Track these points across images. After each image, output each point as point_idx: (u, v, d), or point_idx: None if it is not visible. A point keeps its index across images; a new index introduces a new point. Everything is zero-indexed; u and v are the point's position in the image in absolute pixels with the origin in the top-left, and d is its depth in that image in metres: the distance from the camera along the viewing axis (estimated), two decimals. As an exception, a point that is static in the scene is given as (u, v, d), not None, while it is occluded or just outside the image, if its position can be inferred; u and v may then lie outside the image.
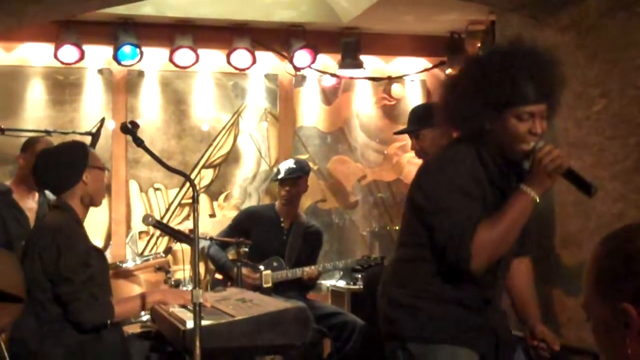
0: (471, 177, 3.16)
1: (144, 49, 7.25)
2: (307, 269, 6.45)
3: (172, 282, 5.44)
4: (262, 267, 6.35)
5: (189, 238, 4.18)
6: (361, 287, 6.66)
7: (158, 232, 7.35)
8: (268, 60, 7.86)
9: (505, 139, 3.12)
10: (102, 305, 3.87)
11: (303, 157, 7.75)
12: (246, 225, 6.46)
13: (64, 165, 4.07)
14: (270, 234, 6.54)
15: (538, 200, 3.09)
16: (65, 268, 3.80)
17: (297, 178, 6.53)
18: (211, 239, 6.34)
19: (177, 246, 6.78)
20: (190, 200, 3.76)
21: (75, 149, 4.20)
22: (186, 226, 7.04)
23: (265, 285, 6.28)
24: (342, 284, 7.27)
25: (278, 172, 6.64)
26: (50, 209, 4.27)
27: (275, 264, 6.47)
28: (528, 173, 3.12)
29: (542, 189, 3.08)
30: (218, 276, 6.49)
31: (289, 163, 6.68)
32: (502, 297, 3.42)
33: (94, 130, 5.79)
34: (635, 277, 1.63)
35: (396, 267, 3.41)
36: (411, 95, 8.14)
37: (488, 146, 3.17)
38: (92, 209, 4.17)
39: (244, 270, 5.98)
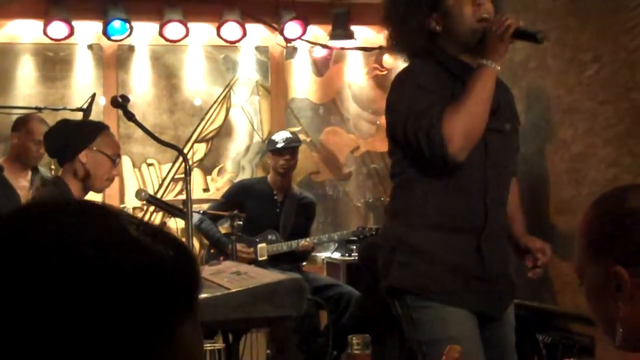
0: (432, 78, 3.17)
1: (133, 23, 7.20)
2: (302, 241, 6.46)
3: (167, 257, 5.43)
4: (257, 240, 6.37)
5: (182, 212, 4.17)
6: (356, 258, 6.67)
7: (152, 208, 7.33)
8: (258, 33, 7.82)
9: (455, 26, 3.16)
10: None
11: (295, 129, 7.74)
12: (239, 198, 6.47)
13: (67, 137, 4.03)
14: (263, 207, 6.55)
15: (498, 68, 3.10)
16: None
17: (296, 147, 6.57)
18: (204, 212, 6.34)
19: (171, 221, 6.78)
20: (183, 175, 3.74)
21: (85, 126, 4.18)
22: (179, 199, 7.03)
23: (260, 259, 6.29)
24: (337, 255, 7.27)
25: (273, 142, 6.64)
26: (44, 185, 4.24)
27: (270, 237, 6.48)
28: (481, 49, 3.12)
29: (497, 56, 3.09)
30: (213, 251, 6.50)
31: (285, 133, 6.70)
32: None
33: (85, 106, 5.78)
34: (626, 239, 1.62)
35: (390, 200, 3.45)
36: (403, 65, 8.10)
37: (447, 46, 3.20)
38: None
39: (239, 246, 5.99)
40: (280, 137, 6.67)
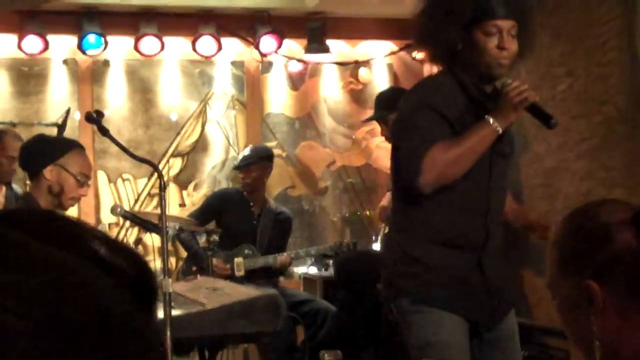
0: (445, 98, 3.21)
1: (108, 38, 7.19)
2: (279, 256, 6.45)
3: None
4: (234, 254, 6.36)
5: (157, 228, 4.16)
6: (332, 274, 6.66)
7: (128, 223, 7.30)
8: (234, 47, 7.82)
9: (475, 56, 3.18)
10: None
11: (271, 143, 7.74)
12: (217, 207, 6.48)
13: (35, 151, 4.01)
14: (240, 218, 6.55)
15: (500, 132, 3.12)
16: None
17: (248, 165, 6.55)
18: (180, 229, 6.31)
19: (147, 238, 6.75)
20: (159, 191, 3.73)
21: (56, 143, 4.15)
22: (155, 212, 7.00)
23: (237, 274, 6.27)
24: (313, 270, 7.26)
25: (236, 160, 6.73)
26: (16, 200, 4.22)
27: (246, 251, 6.47)
28: (495, 106, 3.16)
29: (506, 122, 3.13)
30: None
31: (245, 151, 6.77)
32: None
33: (60, 121, 5.76)
34: (596, 253, 1.63)
35: (392, 211, 3.51)
36: (378, 79, 8.13)
37: (465, 69, 3.22)
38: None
39: (215, 261, 5.98)
40: (240, 155, 6.76)
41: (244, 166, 6.59)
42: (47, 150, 4.02)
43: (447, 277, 3.22)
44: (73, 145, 4.14)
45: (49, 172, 3.94)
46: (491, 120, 3.11)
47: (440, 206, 3.22)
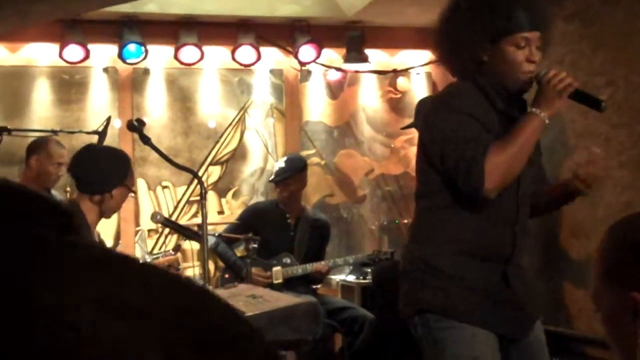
0: (474, 104, 3.19)
1: (148, 46, 7.25)
2: (317, 264, 6.46)
3: (182, 280, 5.43)
4: (273, 263, 6.38)
5: (197, 235, 4.19)
6: (371, 281, 6.66)
7: (167, 230, 7.35)
8: (273, 56, 7.85)
9: (503, 69, 3.16)
10: None
11: (310, 152, 7.77)
12: (252, 222, 6.46)
13: (105, 171, 4.04)
14: (277, 231, 6.54)
15: (547, 122, 3.11)
16: None
17: (285, 179, 6.55)
18: (219, 235, 6.34)
19: (187, 244, 6.79)
20: (198, 198, 3.76)
21: (120, 161, 4.18)
22: (194, 222, 7.04)
23: (275, 282, 6.29)
24: (351, 278, 7.27)
25: (272, 173, 6.73)
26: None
27: (285, 260, 6.48)
28: (535, 96, 3.14)
29: (552, 111, 3.11)
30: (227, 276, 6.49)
31: (280, 162, 6.74)
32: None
33: (100, 129, 5.79)
34: (642, 265, 1.62)
35: (415, 223, 3.41)
36: (417, 88, 8.13)
37: (490, 80, 3.20)
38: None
39: (254, 270, 6.00)
40: (275, 167, 6.75)
41: (280, 181, 6.59)
42: (117, 171, 4.06)
43: (473, 289, 3.17)
44: (130, 162, 4.20)
45: (117, 192, 4.00)
46: (538, 111, 3.09)
47: (469, 217, 3.17)
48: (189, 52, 7.38)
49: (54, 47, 7.18)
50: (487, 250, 3.19)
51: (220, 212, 7.64)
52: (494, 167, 3.03)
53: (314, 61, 7.71)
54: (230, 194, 7.71)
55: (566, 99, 3.12)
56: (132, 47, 7.22)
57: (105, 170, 4.04)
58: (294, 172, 6.55)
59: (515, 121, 3.16)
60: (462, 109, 3.17)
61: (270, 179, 6.81)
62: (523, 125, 3.10)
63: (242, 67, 7.62)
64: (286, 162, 6.69)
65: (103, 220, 4.18)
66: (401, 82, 8.15)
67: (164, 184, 7.55)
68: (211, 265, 7.11)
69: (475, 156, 3.04)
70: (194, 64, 7.44)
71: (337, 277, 7.47)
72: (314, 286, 6.63)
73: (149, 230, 7.47)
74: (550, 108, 3.10)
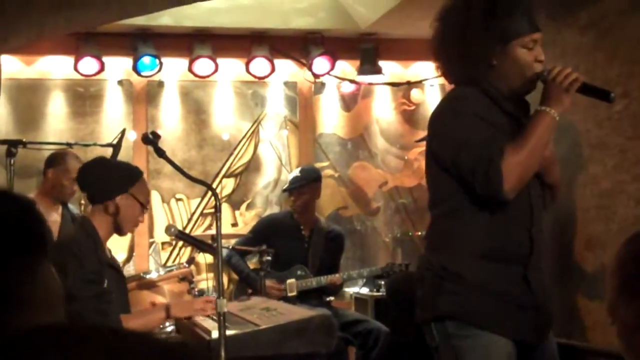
0: (481, 106, 3.19)
1: (163, 59, 7.28)
2: (332, 277, 6.45)
3: (196, 293, 5.44)
4: (287, 275, 6.37)
5: (211, 247, 4.19)
6: (384, 294, 6.64)
7: (181, 243, 7.35)
8: (287, 68, 7.87)
9: (513, 70, 3.18)
10: (110, 322, 3.83)
11: (324, 164, 7.77)
12: (266, 234, 6.45)
13: (106, 179, 4.07)
14: (291, 243, 6.54)
15: (557, 118, 3.11)
16: (71, 286, 3.75)
17: (300, 187, 6.55)
18: (233, 248, 6.34)
19: (200, 256, 6.79)
20: (212, 210, 3.77)
21: (125, 171, 4.21)
22: (208, 234, 7.03)
23: (289, 294, 6.28)
24: (365, 291, 7.26)
25: (286, 183, 6.74)
26: (73, 221, 4.27)
27: (299, 272, 6.47)
28: (542, 95, 3.15)
29: (561, 107, 3.11)
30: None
31: (295, 172, 6.76)
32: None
33: (115, 142, 5.80)
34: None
35: (430, 231, 3.39)
36: (430, 100, 8.12)
37: (498, 84, 3.21)
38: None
39: (268, 282, 5.99)
40: (290, 177, 6.76)
41: (294, 189, 6.60)
42: (118, 178, 4.09)
43: (495, 294, 3.14)
44: (139, 173, 4.23)
45: (120, 201, 4.01)
46: (547, 109, 3.10)
47: (484, 220, 3.15)
48: (203, 65, 7.40)
49: (69, 59, 7.22)
50: (504, 252, 3.17)
51: (234, 225, 7.64)
52: (512, 168, 3.03)
53: (327, 73, 7.72)
54: (244, 206, 7.72)
55: (574, 94, 3.12)
56: (146, 59, 7.25)
57: (105, 178, 4.07)
58: (308, 181, 6.56)
59: (523, 124, 3.16)
60: (469, 111, 3.17)
61: (284, 187, 6.83)
62: (535, 124, 3.10)
63: (256, 80, 7.64)
64: (301, 171, 6.71)
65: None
66: (415, 94, 8.15)
67: (178, 196, 7.56)
68: (225, 278, 7.11)
69: (493, 158, 3.03)
70: (208, 76, 7.46)
71: (350, 290, 7.46)
72: (328, 298, 6.62)
73: (163, 243, 7.48)
74: (559, 105, 3.10)
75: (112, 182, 4.06)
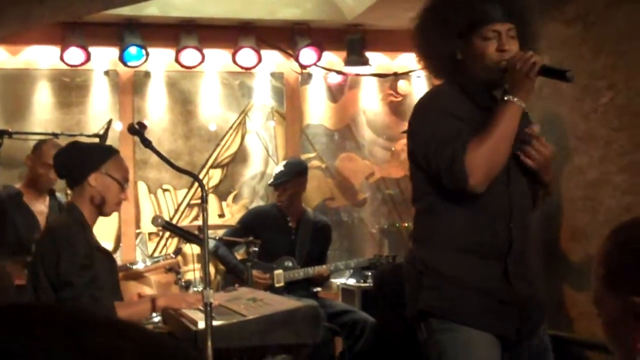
0: (457, 104, 3.22)
1: (149, 49, 7.25)
2: (319, 268, 6.46)
3: (183, 283, 5.43)
4: (274, 266, 6.38)
5: (198, 238, 4.18)
6: (371, 285, 6.66)
7: (167, 233, 7.35)
8: (273, 59, 7.86)
9: (477, 64, 3.18)
10: (104, 308, 3.82)
11: (310, 155, 7.77)
12: (253, 225, 6.46)
13: (76, 159, 4.04)
14: (278, 235, 6.55)
15: (523, 105, 3.12)
16: (64, 272, 3.73)
17: (284, 182, 6.56)
18: (220, 239, 6.34)
19: (187, 247, 6.78)
20: (199, 201, 3.75)
21: (95, 150, 4.20)
22: (195, 225, 7.03)
23: (277, 285, 6.29)
24: (352, 282, 7.27)
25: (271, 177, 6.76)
26: (61, 210, 4.25)
27: (286, 263, 6.48)
28: (507, 84, 3.16)
29: (524, 93, 3.12)
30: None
31: (280, 166, 6.78)
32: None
33: (101, 132, 5.79)
34: (644, 270, 1.62)
35: (414, 225, 3.44)
36: (417, 91, 8.12)
37: (468, 77, 3.23)
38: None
39: (255, 273, 6.00)
40: (274, 171, 6.77)
41: (279, 184, 6.61)
42: (89, 158, 4.06)
43: (472, 289, 3.15)
44: (112, 151, 4.20)
45: (93, 180, 3.99)
46: (510, 97, 3.11)
47: (461, 214, 3.17)
48: (189, 55, 7.38)
49: (55, 49, 7.19)
50: (482, 246, 3.18)
51: (221, 215, 7.64)
52: (476, 162, 3.05)
53: (314, 64, 7.71)
54: (230, 197, 7.71)
55: (535, 78, 3.12)
56: (133, 50, 7.23)
57: (77, 160, 4.03)
58: (292, 176, 6.56)
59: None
60: (440, 109, 3.20)
61: (270, 182, 6.84)
62: (498, 115, 3.12)
63: (243, 70, 7.63)
64: (285, 166, 6.71)
65: (104, 223, 4.17)
66: (402, 85, 8.15)
67: (164, 187, 7.55)
68: (212, 269, 7.11)
69: (454, 154, 3.06)
70: (194, 67, 7.45)
71: (337, 281, 7.47)
72: (315, 289, 6.63)
73: (150, 234, 7.47)
74: (521, 91, 3.11)
75: (84, 161, 4.03)
